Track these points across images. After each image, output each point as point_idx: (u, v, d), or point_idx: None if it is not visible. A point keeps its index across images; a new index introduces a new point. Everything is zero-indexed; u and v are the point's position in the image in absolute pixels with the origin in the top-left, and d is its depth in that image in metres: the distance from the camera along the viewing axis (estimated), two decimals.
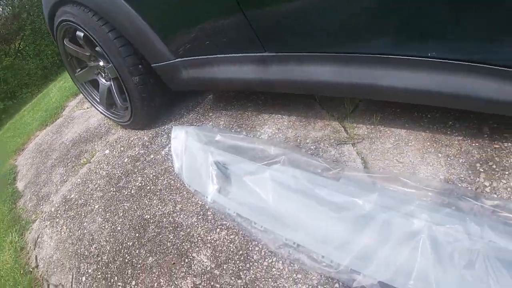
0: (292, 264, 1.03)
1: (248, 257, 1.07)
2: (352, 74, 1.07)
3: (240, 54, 1.26)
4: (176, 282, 1.11)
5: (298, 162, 1.11)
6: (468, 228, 0.90)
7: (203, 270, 1.10)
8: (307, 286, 1.00)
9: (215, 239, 1.14)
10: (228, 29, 1.24)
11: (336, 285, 0.98)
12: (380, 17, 0.97)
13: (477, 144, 1.28)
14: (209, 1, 1.21)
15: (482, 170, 1.19)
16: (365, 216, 0.96)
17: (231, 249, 1.10)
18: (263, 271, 1.04)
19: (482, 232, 0.89)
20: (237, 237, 1.12)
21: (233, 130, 1.36)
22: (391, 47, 1.01)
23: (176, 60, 1.46)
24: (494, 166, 1.20)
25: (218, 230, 1.16)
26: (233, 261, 1.08)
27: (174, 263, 1.16)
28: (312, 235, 1.00)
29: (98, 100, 2.04)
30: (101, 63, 1.82)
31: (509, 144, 1.26)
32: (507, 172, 1.17)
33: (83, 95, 2.15)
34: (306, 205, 1.03)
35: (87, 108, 2.81)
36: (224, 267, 1.08)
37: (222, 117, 1.45)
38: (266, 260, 1.05)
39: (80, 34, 1.67)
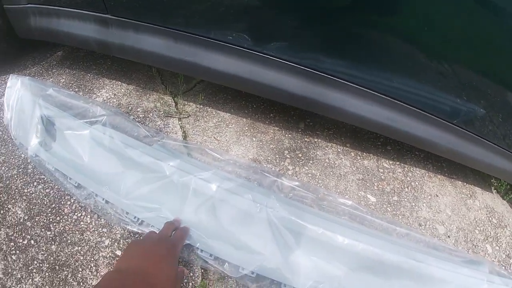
0: (99, 219, 1.09)
1: (60, 211, 1.10)
2: (179, 50, 1.10)
3: (85, 11, 1.21)
4: None
5: (121, 125, 1.13)
6: (255, 197, 0.99)
7: (16, 222, 1.11)
8: (110, 239, 1.07)
9: (31, 192, 1.14)
10: None
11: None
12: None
13: (290, 136, 1.43)
14: None
15: (289, 157, 1.33)
16: (166, 178, 1.03)
17: (45, 202, 1.12)
18: (71, 224, 1.09)
19: (268, 202, 0.99)
20: (52, 191, 1.14)
21: (70, 90, 1.33)
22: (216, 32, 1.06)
23: (28, 5, 1.34)
24: (300, 155, 1.35)
25: (35, 183, 1.16)
26: (45, 214, 1.10)
27: None
28: (118, 193, 1.05)
29: None
30: None
31: (319, 140, 1.43)
32: (310, 162, 1.34)
33: None
34: (116, 164, 1.07)
35: None
36: (36, 219, 1.09)
37: (64, 75, 1.41)
38: (76, 214, 1.10)
39: None
